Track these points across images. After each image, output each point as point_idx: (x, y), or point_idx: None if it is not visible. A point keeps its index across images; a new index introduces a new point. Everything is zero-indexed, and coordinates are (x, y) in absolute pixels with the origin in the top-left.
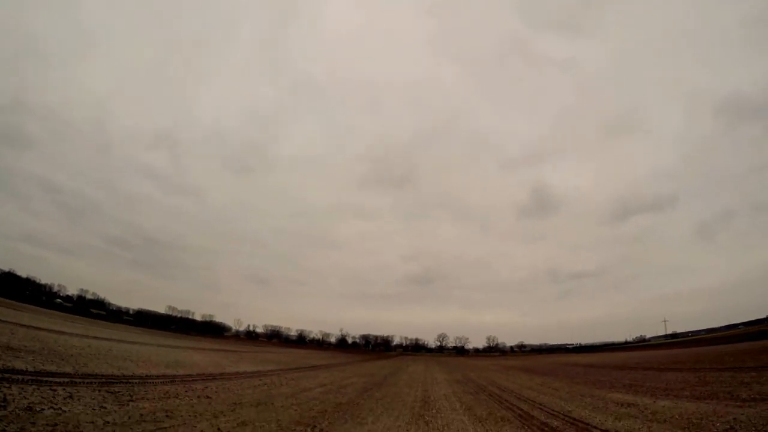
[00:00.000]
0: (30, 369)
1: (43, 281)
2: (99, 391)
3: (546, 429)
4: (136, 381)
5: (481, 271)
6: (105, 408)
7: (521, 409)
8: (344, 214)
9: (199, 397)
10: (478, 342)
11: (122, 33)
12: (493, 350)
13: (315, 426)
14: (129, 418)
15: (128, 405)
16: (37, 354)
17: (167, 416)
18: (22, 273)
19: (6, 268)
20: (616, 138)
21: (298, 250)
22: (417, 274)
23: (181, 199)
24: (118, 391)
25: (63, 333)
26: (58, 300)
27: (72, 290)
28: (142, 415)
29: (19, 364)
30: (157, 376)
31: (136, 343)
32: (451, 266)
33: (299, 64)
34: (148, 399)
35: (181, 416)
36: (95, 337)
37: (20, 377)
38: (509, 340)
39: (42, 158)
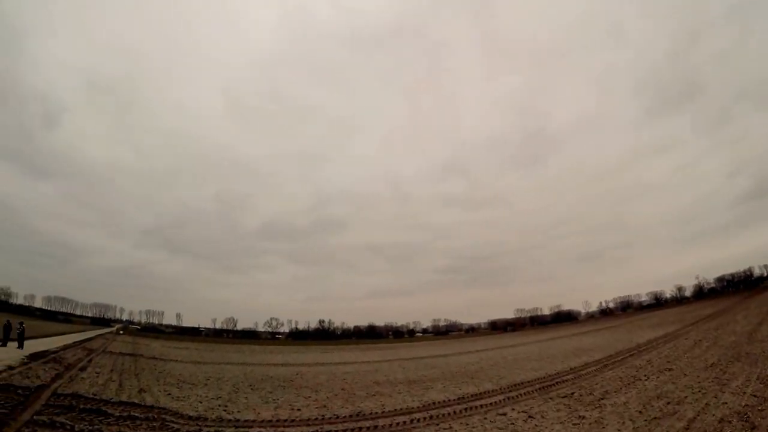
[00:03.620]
0: (452, 398)
1: (398, 323)
2: (552, 401)
3: None
4: (571, 377)
5: None
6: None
7: None
8: (644, 155)
9: (662, 357)
10: None
11: (367, 107)
12: None
13: None
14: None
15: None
16: (452, 379)
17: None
18: (380, 322)
19: (365, 323)
20: None
21: (614, 211)
22: (749, 188)
23: (487, 212)
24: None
25: (453, 354)
26: (418, 333)
27: (425, 323)
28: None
29: (439, 396)
30: (586, 364)
31: (515, 346)
32: None
33: (522, 41)
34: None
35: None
36: (483, 350)
37: (453, 407)
38: None
39: (358, 229)
